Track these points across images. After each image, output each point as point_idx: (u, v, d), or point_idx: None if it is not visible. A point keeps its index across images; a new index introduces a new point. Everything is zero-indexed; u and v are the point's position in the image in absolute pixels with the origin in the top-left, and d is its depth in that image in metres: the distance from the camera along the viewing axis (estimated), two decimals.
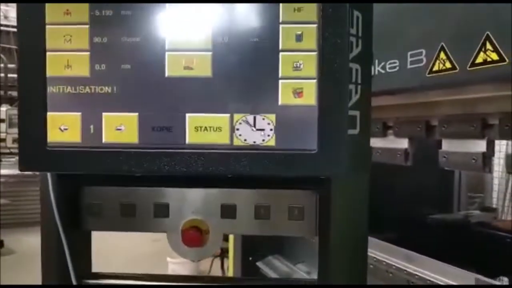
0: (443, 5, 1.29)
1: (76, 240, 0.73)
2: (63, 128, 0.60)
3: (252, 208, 0.71)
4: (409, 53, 1.40)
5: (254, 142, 0.59)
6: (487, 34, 1.13)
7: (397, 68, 1.43)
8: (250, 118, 0.59)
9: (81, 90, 0.59)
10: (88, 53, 0.59)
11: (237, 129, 0.59)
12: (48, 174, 0.68)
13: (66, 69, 0.59)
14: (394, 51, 1.42)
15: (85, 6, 0.59)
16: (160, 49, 0.59)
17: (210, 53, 0.59)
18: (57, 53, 0.59)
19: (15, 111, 6.54)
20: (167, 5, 0.59)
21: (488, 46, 1.13)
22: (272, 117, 0.58)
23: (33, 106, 0.59)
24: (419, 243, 1.84)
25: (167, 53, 0.59)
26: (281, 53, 0.58)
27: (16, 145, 6.26)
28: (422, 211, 2.53)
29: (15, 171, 6.61)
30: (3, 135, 6.15)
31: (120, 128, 0.59)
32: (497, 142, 1.44)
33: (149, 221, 0.72)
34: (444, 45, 1.27)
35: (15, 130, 6.34)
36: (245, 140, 0.59)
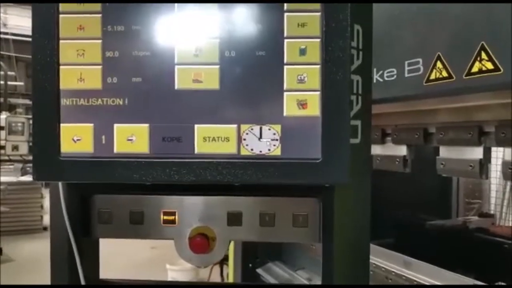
0: (440, 14, 1.32)
1: (85, 247, 0.75)
2: (76, 138, 0.62)
3: (258, 216, 0.73)
4: (406, 62, 1.43)
5: (260, 151, 0.61)
6: (482, 44, 1.17)
7: (395, 76, 1.47)
8: (256, 128, 0.61)
9: (94, 102, 0.62)
10: (100, 67, 0.62)
11: (244, 139, 0.61)
12: (60, 183, 0.70)
13: (79, 82, 0.62)
14: (391, 60, 1.44)
15: (98, 21, 0.61)
16: (169, 63, 0.61)
17: (217, 66, 0.61)
18: (70, 67, 0.62)
19: (14, 119, 6.55)
20: (176, 20, 0.62)
21: (484, 55, 1.16)
22: (278, 127, 0.61)
23: (47, 118, 0.62)
24: (417, 249, 1.86)
25: (176, 67, 0.61)
26: (285, 66, 0.61)
27: (15, 152, 6.26)
28: (420, 217, 2.55)
29: (14, 179, 6.60)
30: (2, 143, 6.15)
31: (131, 138, 0.62)
32: (494, 149, 1.46)
33: (157, 228, 0.74)
34: (440, 55, 1.30)
35: (14, 138, 6.35)
36: (251, 149, 0.61)
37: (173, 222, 0.73)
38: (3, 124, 6.14)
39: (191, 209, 0.73)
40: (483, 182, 3.39)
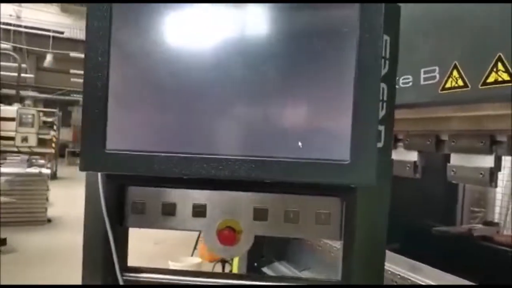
0: (457, 24, 1.36)
1: (116, 235, 0.79)
2: (121, 134, 0.66)
3: (282, 212, 0.77)
4: (422, 70, 1.47)
5: None
6: (499, 55, 1.20)
7: (411, 83, 1.50)
8: None
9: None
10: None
11: None
12: (99, 174, 0.74)
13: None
14: (408, 67, 1.48)
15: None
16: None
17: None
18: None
19: (25, 111, 6.62)
20: None
21: (500, 66, 1.20)
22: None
23: (95, 115, 0.66)
24: (423, 254, 1.89)
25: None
26: None
27: (25, 144, 6.32)
28: (426, 223, 2.58)
29: (22, 170, 6.65)
30: (12, 134, 6.20)
31: None
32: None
33: (187, 220, 0.78)
34: (457, 64, 1.34)
35: (24, 129, 6.43)
36: None
37: (203, 215, 0.77)
38: (14, 115, 6.21)
39: (220, 203, 0.77)
40: (488, 191, 3.41)
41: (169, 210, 0.77)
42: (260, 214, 0.77)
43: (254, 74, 0.65)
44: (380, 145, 0.76)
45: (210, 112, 0.66)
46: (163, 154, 0.65)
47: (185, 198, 0.78)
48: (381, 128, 0.76)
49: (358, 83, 0.63)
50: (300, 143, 0.65)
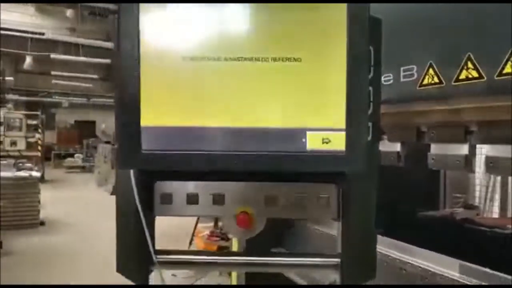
0: (432, 26, 1.52)
1: (146, 224, 0.91)
2: (155, 136, 0.79)
3: (289, 198, 0.91)
4: (402, 68, 1.63)
5: None
6: (469, 55, 1.36)
7: (392, 81, 1.66)
8: None
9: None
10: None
11: None
12: (131, 171, 0.87)
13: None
14: (389, 66, 1.63)
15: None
16: None
17: None
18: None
19: (12, 115, 6.60)
20: None
21: (470, 65, 1.36)
22: None
23: (130, 119, 0.78)
24: (409, 236, 2.05)
25: None
26: None
27: (13, 148, 6.31)
28: (413, 208, 2.75)
29: (11, 174, 6.64)
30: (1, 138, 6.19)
31: None
32: (479, 145, 1.65)
33: (208, 208, 0.91)
34: (432, 63, 1.50)
35: (12, 133, 6.42)
36: None
37: (221, 203, 0.90)
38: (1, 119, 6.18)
39: (236, 192, 0.91)
40: (468, 178, 3.63)
41: (193, 199, 0.90)
42: (270, 200, 0.91)
43: (259, 78, 0.79)
44: (369, 138, 0.90)
45: (229, 114, 0.79)
46: (190, 152, 0.78)
47: (206, 189, 0.91)
48: (369, 124, 0.90)
49: (349, 87, 0.77)
50: (303, 139, 0.79)
